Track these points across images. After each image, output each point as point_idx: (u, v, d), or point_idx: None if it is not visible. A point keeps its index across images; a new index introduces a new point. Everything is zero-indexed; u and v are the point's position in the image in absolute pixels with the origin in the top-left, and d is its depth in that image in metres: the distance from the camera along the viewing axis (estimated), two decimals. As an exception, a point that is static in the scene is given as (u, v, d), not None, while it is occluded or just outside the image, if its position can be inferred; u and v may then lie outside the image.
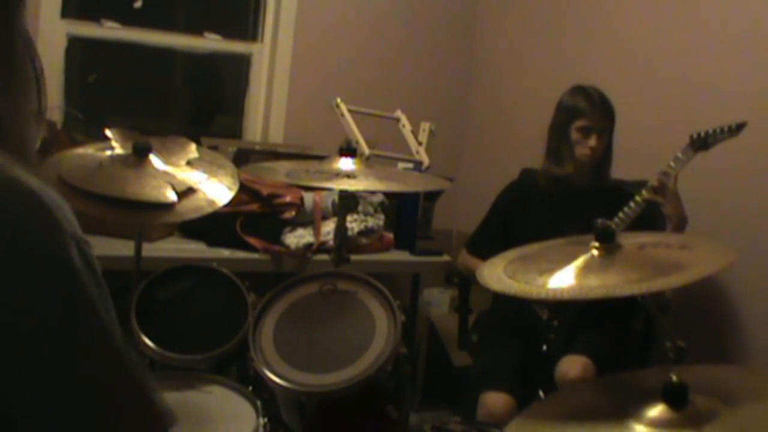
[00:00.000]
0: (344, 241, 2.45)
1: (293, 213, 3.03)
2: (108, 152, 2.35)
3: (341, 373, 2.06)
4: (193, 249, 2.93)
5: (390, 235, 3.27)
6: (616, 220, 2.57)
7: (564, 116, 2.80)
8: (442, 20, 4.14)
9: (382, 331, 2.13)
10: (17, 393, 0.66)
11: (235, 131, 3.88)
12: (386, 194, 3.21)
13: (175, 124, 4.00)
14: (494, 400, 2.54)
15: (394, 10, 4.02)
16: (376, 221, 3.18)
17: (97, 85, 3.82)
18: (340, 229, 2.45)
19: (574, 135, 2.76)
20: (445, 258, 3.33)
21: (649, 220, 2.63)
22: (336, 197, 2.61)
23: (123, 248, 2.57)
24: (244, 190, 2.82)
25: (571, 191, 2.83)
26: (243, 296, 2.30)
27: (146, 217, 2.31)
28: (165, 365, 2.18)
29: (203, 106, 4.13)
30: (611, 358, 2.61)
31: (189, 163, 2.39)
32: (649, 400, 1.48)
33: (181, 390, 2.06)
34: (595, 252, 1.71)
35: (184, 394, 2.05)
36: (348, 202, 2.50)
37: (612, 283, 1.61)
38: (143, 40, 3.66)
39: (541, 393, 2.50)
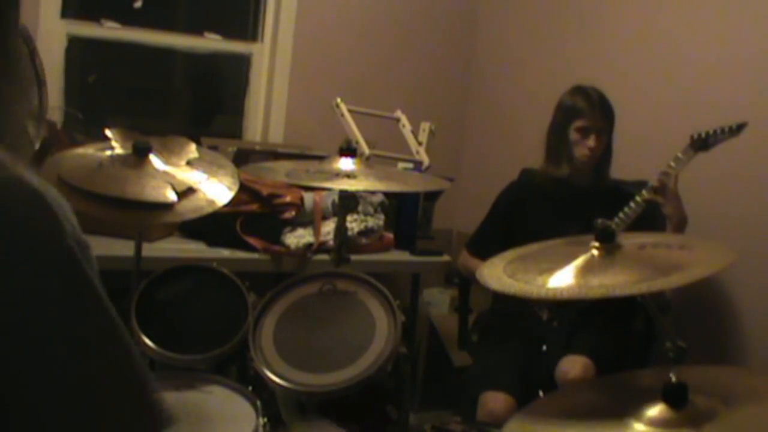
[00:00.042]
0: (344, 241, 2.45)
1: (293, 213, 3.03)
2: (108, 152, 2.35)
3: (341, 373, 2.06)
4: (193, 249, 2.93)
5: (390, 235, 3.27)
6: (616, 220, 2.57)
7: (563, 116, 2.80)
8: (442, 20, 4.14)
9: (382, 331, 2.13)
10: (17, 392, 0.66)
11: (235, 131, 3.88)
12: (386, 194, 3.21)
13: (175, 124, 4.00)
14: (494, 400, 2.54)
15: (394, 10, 4.02)
16: (376, 221, 3.18)
17: (97, 85, 3.82)
18: (340, 229, 2.45)
19: (573, 135, 2.76)
20: (445, 258, 3.33)
21: (649, 220, 2.63)
22: (336, 197, 2.61)
23: (123, 248, 2.57)
24: (244, 190, 2.82)
25: (570, 191, 2.83)
26: (243, 296, 2.30)
27: (146, 217, 2.31)
28: (165, 365, 2.18)
29: (203, 106, 4.13)
30: (611, 358, 2.61)
31: (189, 163, 2.39)
32: (649, 399, 1.48)
33: (181, 390, 2.06)
34: (595, 252, 1.72)
35: (184, 394, 2.05)
36: (348, 202, 2.51)
37: (612, 283, 1.61)
38: (143, 40, 3.66)
39: (541, 393, 2.50)
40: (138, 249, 2.37)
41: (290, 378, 2.06)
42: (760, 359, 2.84)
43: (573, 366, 2.55)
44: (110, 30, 3.59)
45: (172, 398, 2.02)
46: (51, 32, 3.39)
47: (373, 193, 3.15)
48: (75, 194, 2.19)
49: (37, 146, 2.30)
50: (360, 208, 3.14)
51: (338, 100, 3.28)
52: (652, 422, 1.45)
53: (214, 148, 3.01)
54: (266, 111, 3.85)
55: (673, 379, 1.45)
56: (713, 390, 1.52)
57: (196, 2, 4.00)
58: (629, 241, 1.78)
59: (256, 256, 2.92)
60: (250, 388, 2.11)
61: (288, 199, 3.03)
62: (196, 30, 3.77)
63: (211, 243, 2.98)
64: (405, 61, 4.06)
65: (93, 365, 0.70)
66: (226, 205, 2.37)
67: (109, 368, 0.71)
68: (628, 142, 2.97)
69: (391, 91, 3.95)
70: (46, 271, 0.68)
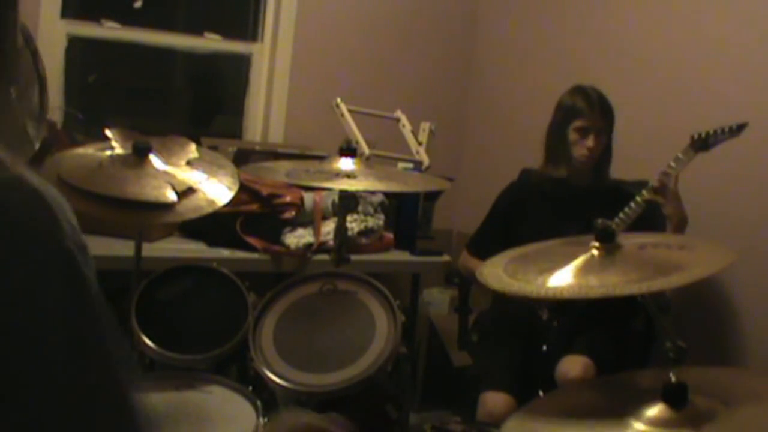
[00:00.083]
0: (344, 241, 2.45)
1: (293, 213, 3.03)
2: (108, 152, 2.35)
3: (341, 373, 2.06)
4: (193, 249, 2.93)
5: (390, 235, 3.27)
6: (616, 220, 2.57)
7: (562, 116, 2.80)
8: (442, 20, 4.14)
9: (382, 331, 2.13)
10: (14, 392, 0.66)
11: (235, 131, 3.88)
12: (386, 194, 3.21)
13: (175, 124, 4.00)
14: (494, 400, 2.54)
15: (394, 10, 4.02)
16: (376, 221, 3.18)
17: (97, 85, 3.82)
18: (340, 229, 2.45)
19: (572, 135, 2.76)
20: (445, 258, 3.33)
21: (650, 220, 2.63)
22: (336, 197, 2.61)
23: (123, 248, 2.57)
24: (244, 190, 2.82)
25: (570, 192, 2.83)
26: (243, 296, 2.30)
27: (146, 217, 2.31)
28: (165, 365, 2.18)
29: (203, 106, 4.13)
30: (611, 358, 2.61)
31: (189, 163, 2.39)
32: (649, 399, 1.48)
33: (181, 390, 2.06)
34: (595, 252, 1.72)
35: (184, 394, 2.05)
36: (348, 202, 2.51)
37: (612, 283, 1.61)
38: (143, 40, 3.66)
39: (541, 393, 2.50)
40: (138, 249, 2.37)
41: (290, 378, 2.06)
42: (760, 359, 2.84)
43: (573, 366, 2.55)
44: (110, 30, 3.59)
45: (172, 398, 2.02)
46: (51, 32, 3.39)
47: (373, 193, 3.15)
48: (75, 194, 2.19)
49: (37, 146, 2.30)
50: (360, 208, 3.14)
51: (338, 100, 3.28)
52: (652, 422, 1.45)
53: (214, 148, 3.01)
54: (266, 111, 3.85)
55: (673, 379, 1.45)
56: (713, 391, 1.52)
57: (196, 2, 4.00)
58: (629, 241, 1.78)
59: (256, 256, 2.92)
60: (250, 388, 2.11)
61: (288, 199, 3.03)
62: (196, 30, 3.77)
63: (211, 243, 2.98)
64: (405, 61, 4.06)
65: (90, 367, 0.70)
66: (226, 205, 2.37)
67: (99, 374, 0.71)
68: (628, 142, 2.97)
69: (391, 91, 3.95)
70: (45, 272, 0.68)
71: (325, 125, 3.55)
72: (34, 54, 2.35)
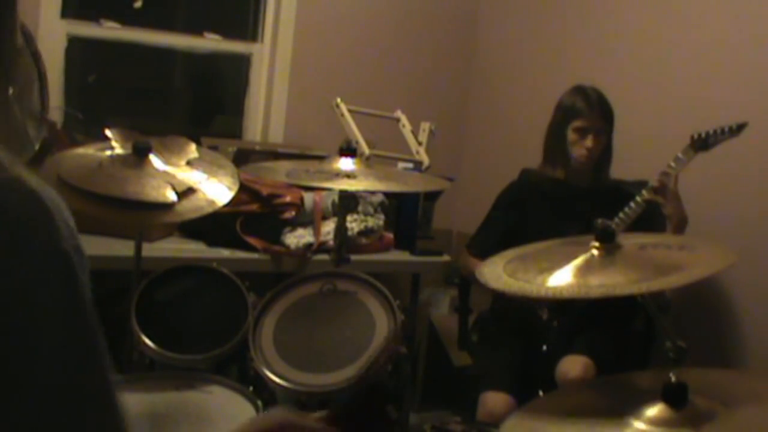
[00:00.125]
0: (344, 241, 2.45)
1: (293, 213, 3.03)
2: (108, 152, 2.35)
3: (341, 373, 2.06)
4: (193, 249, 2.93)
5: (390, 235, 3.27)
6: (616, 220, 2.57)
7: (562, 116, 2.80)
8: (442, 20, 4.14)
9: (382, 331, 2.13)
10: (8, 393, 0.66)
11: (235, 131, 3.88)
12: (386, 194, 3.21)
13: (175, 124, 4.00)
14: (494, 400, 2.54)
15: (394, 10, 4.02)
16: (376, 221, 3.18)
17: (97, 85, 3.82)
18: (340, 229, 2.45)
19: (571, 135, 2.76)
20: (445, 258, 3.33)
21: (650, 220, 2.63)
22: (336, 197, 2.61)
23: (123, 248, 2.57)
24: (244, 190, 2.82)
25: (570, 192, 2.83)
26: (243, 296, 2.30)
27: (146, 217, 2.31)
28: (165, 365, 2.18)
29: (203, 106, 4.13)
30: (611, 358, 2.61)
31: (189, 163, 2.39)
32: (649, 399, 1.48)
33: (181, 390, 2.06)
34: (595, 252, 1.71)
35: (184, 394, 2.05)
36: (348, 202, 2.50)
37: (612, 283, 1.61)
38: (143, 40, 3.66)
39: (541, 393, 2.50)
40: (138, 249, 2.37)
41: (290, 378, 2.06)
42: (760, 359, 2.84)
43: (573, 366, 2.55)
44: (110, 30, 3.59)
45: (172, 398, 2.02)
46: (51, 32, 3.39)
47: (373, 193, 3.15)
48: (75, 194, 2.19)
49: (37, 146, 2.30)
50: (360, 208, 3.14)
51: (338, 100, 3.28)
52: (652, 422, 1.45)
53: (214, 148, 3.01)
54: (266, 111, 3.85)
55: (673, 379, 1.45)
56: (713, 392, 1.52)
57: (196, 2, 4.00)
58: (629, 241, 1.78)
59: (256, 256, 2.93)
60: (250, 388, 2.11)
61: (288, 199, 3.03)
62: (196, 30, 3.77)
63: (211, 243, 2.98)
64: (405, 61, 4.06)
65: (83, 367, 0.70)
66: (226, 205, 2.37)
67: (96, 371, 0.71)
68: (628, 142, 2.97)
69: (391, 91, 3.95)
70: (41, 273, 0.68)
71: (325, 125, 3.55)
72: (35, 54, 2.35)
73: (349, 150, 2.44)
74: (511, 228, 2.82)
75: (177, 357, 2.17)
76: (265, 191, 3.00)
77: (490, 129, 4.13)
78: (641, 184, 2.69)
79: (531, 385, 2.55)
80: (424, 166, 3.32)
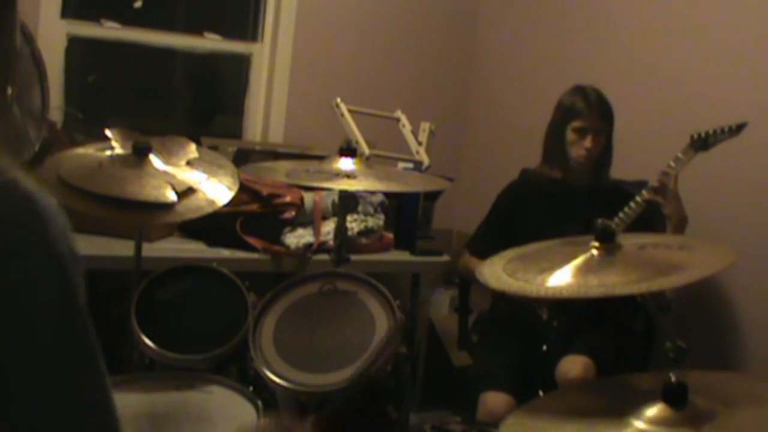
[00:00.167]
0: (344, 241, 2.45)
1: (293, 213, 3.03)
2: (108, 152, 2.35)
3: (341, 373, 2.06)
4: (193, 249, 2.93)
5: (390, 235, 3.27)
6: (616, 220, 2.57)
7: (561, 116, 2.80)
8: (442, 20, 4.14)
9: (382, 331, 2.13)
10: (2, 394, 0.66)
11: (235, 131, 3.88)
12: (386, 194, 3.21)
13: (175, 124, 4.00)
14: (494, 400, 2.54)
15: (394, 10, 4.02)
16: (376, 221, 3.18)
17: (97, 85, 3.82)
18: (340, 229, 2.45)
19: (570, 136, 2.76)
20: (445, 258, 3.33)
21: (649, 220, 2.63)
22: (336, 197, 2.61)
23: (123, 248, 2.57)
24: (244, 190, 2.82)
25: (570, 191, 2.83)
26: (243, 296, 2.30)
27: (146, 217, 2.31)
28: (165, 365, 2.18)
29: (203, 106, 4.13)
30: (611, 358, 2.61)
31: (189, 163, 2.39)
32: (649, 400, 1.49)
33: (181, 390, 2.06)
34: (594, 252, 1.72)
35: (184, 394, 2.05)
36: (348, 202, 2.50)
37: (611, 283, 1.61)
38: (143, 40, 3.66)
39: (540, 393, 2.50)
40: (138, 249, 2.37)
41: (290, 378, 2.06)
42: (760, 360, 2.84)
43: (573, 366, 2.55)
44: (110, 30, 3.59)
45: (172, 398, 2.02)
46: (51, 32, 3.39)
47: (373, 193, 3.15)
48: (75, 194, 2.19)
49: (37, 146, 2.30)
50: (360, 208, 3.14)
51: (338, 100, 3.28)
52: (652, 421, 1.45)
53: (214, 148, 3.02)
54: (266, 111, 3.85)
55: (673, 378, 1.45)
56: (713, 393, 1.52)
57: (196, 2, 4.00)
58: (629, 241, 1.78)
59: (256, 256, 2.93)
60: (251, 388, 2.11)
61: (288, 199, 3.03)
62: (196, 30, 3.77)
63: (211, 243, 2.98)
64: (405, 61, 4.06)
65: (78, 370, 0.70)
66: (226, 205, 2.37)
67: (91, 374, 0.71)
68: (628, 142, 2.97)
69: (391, 91, 3.95)
70: (34, 277, 0.68)
71: (325, 125, 3.55)
72: (35, 54, 2.35)
73: (349, 150, 2.44)
74: (511, 228, 2.82)
75: (177, 357, 2.17)
76: (265, 191, 3.00)
77: (490, 129, 4.13)
78: (641, 184, 2.69)
79: (531, 385, 2.55)
80: (424, 166, 3.32)
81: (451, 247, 3.80)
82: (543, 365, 2.60)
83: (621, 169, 2.90)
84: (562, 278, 1.66)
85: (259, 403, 2.00)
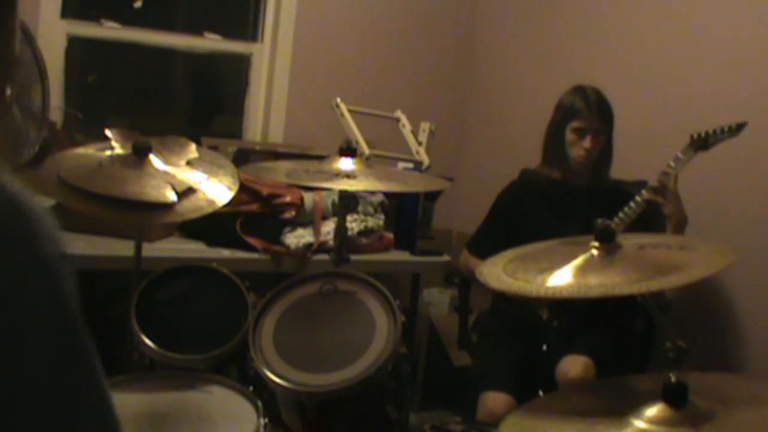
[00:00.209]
0: (344, 241, 2.46)
1: (293, 213, 3.03)
2: (108, 152, 2.35)
3: (341, 373, 2.06)
4: (193, 249, 2.93)
5: (390, 235, 3.27)
6: (615, 220, 2.57)
7: (561, 116, 2.80)
8: (442, 20, 4.14)
9: (382, 331, 2.13)
10: None
11: (235, 131, 3.88)
12: (386, 194, 3.21)
13: (175, 124, 4.00)
14: (494, 400, 2.54)
15: (394, 10, 4.02)
16: (376, 221, 3.18)
17: (97, 85, 3.82)
18: (340, 229, 2.45)
19: (570, 136, 2.76)
20: (445, 258, 3.33)
21: (649, 220, 2.63)
22: (336, 197, 2.61)
23: (123, 248, 2.57)
24: (244, 190, 2.82)
25: (570, 192, 2.83)
26: (243, 296, 2.30)
27: (146, 217, 2.31)
28: (165, 365, 2.18)
29: (203, 106, 4.13)
30: (612, 358, 2.61)
31: (189, 163, 2.39)
32: (649, 399, 1.49)
33: (181, 390, 2.06)
34: (594, 252, 1.72)
35: (184, 394, 2.05)
36: (348, 202, 2.51)
37: (611, 283, 1.61)
38: (143, 40, 3.66)
39: (541, 393, 2.50)
40: (138, 249, 2.37)
41: (290, 378, 2.06)
42: (759, 360, 2.84)
43: (573, 366, 2.55)
44: (110, 30, 3.59)
45: (172, 398, 2.02)
46: (51, 32, 3.39)
47: (373, 193, 3.15)
48: (75, 194, 2.19)
49: (37, 147, 2.30)
50: (360, 208, 3.14)
51: (338, 100, 3.28)
52: (652, 421, 1.46)
53: (214, 148, 3.02)
54: (266, 111, 3.85)
55: (673, 378, 1.46)
56: (713, 394, 1.52)
57: (196, 2, 4.01)
58: (629, 241, 1.78)
59: (256, 256, 2.92)
60: (251, 388, 2.11)
61: (288, 199, 3.03)
62: (196, 30, 3.77)
63: (211, 243, 2.98)
64: (405, 61, 4.06)
65: (71, 372, 0.69)
66: (226, 205, 2.37)
67: (85, 375, 0.71)
68: (628, 142, 2.97)
69: (391, 91, 3.95)
70: (20, 281, 0.67)
71: (325, 125, 3.55)
72: (36, 54, 2.36)
73: (349, 150, 2.45)
74: (510, 228, 2.82)
75: (177, 357, 2.17)
76: (265, 191, 3.00)
77: (490, 129, 4.13)
78: (641, 184, 2.69)
79: (531, 385, 2.55)
80: (424, 166, 3.32)
81: (451, 247, 3.80)
82: (543, 365, 2.60)
83: (621, 169, 2.90)
84: (562, 278, 1.66)
85: (259, 403, 2.00)
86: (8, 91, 0.77)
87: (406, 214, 3.35)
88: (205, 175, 2.36)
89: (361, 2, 3.96)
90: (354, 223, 3.07)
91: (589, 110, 2.73)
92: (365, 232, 3.13)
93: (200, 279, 2.37)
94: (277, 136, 3.83)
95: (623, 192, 2.74)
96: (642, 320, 2.84)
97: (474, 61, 4.21)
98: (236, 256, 2.90)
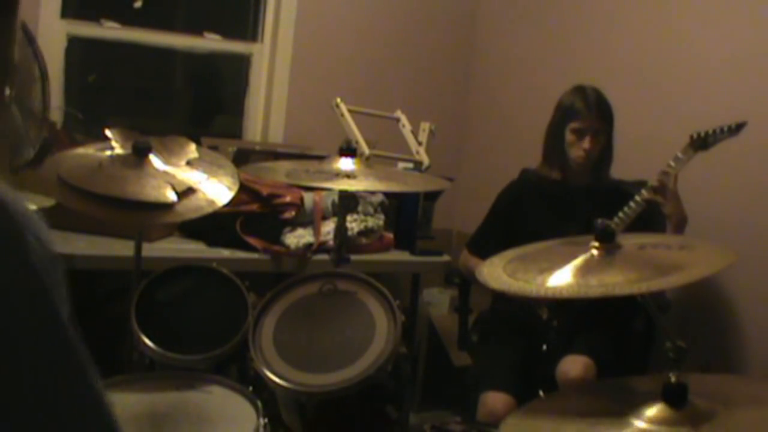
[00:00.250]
0: (344, 241, 2.46)
1: (293, 213, 3.03)
2: (108, 152, 2.35)
3: (341, 373, 2.06)
4: (193, 249, 2.93)
5: (390, 235, 3.27)
6: (615, 219, 2.57)
7: (561, 116, 2.80)
8: (442, 20, 4.14)
9: (382, 331, 2.13)
10: None
11: (235, 131, 3.88)
12: (386, 194, 3.21)
13: (175, 124, 4.00)
14: (494, 400, 2.54)
15: (394, 10, 4.02)
16: (376, 221, 3.18)
17: (97, 85, 3.82)
18: (340, 229, 2.45)
19: (569, 136, 2.76)
20: (445, 258, 3.33)
21: (649, 220, 2.63)
22: (336, 197, 2.61)
23: (123, 248, 2.57)
24: (244, 190, 2.82)
25: (570, 192, 2.83)
26: (243, 296, 2.30)
27: (146, 217, 2.31)
28: (165, 365, 2.18)
29: (203, 106, 4.13)
30: (612, 358, 2.61)
31: (189, 163, 2.39)
32: (649, 400, 1.49)
33: (181, 390, 2.06)
34: (594, 252, 1.71)
35: (184, 394, 2.05)
36: (348, 202, 2.51)
37: (611, 283, 1.61)
38: (143, 40, 3.66)
39: (541, 393, 2.50)
40: (138, 249, 2.37)
41: (290, 378, 2.06)
42: (759, 360, 2.84)
43: (573, 366, 2.55)
44: (110, 30, 3.59)
45: (172, 398, 2.02)
46: (51, 32, 3.39)
47: (373, 193, 3.15)
48: (75, 194, 2.19)
49: (37, 147, 2.30)
50: (360, 208, 3.14)
51: (338, 100, 3.28)
52: (652, 421, 1.46)
53: (214, 148, 3.02)
54: (266, 111, 3.85)
55: (673, 378, 1.46)
56: (713, 394, 1.52)
57: (196, 2, 4.01)
58: (629, 241, 1.78)
59: (256, 256, 2.92)
60: (250, 388, 2.11)
61: (288, 199, 3.03)
62: (196, 30, 3.77)
63: (211, 243, 2.98)
64: (405, 61, 4.06)
65: (61, 376, 0.69)
66: (226, 205, 2.37)
67: (75, 378, 0.70)
68: (628, 142, 2.97)
69: (391, 91, 3.95)
70: (7, 288, 0.66)
71: (325, 125, 3.55)
72: (36, 54, 2.35)
73: (349, 150, 2.45)
74: (510, 228, 2.82)
75: (177, 357, 2.18)
76: (265, 191, 3.00)
77: (490, 129, 4.13)
78: (641, 184, 2.68)
79: (531, 385, 2.55)
80: (424, 166, 3.32)
81: (451, 247, 3.80)
82: (543, 365, 2.60)
83: (621, 169, 2.90)
84: (562, 278, 1.66)
85: (259, 403, 2.00)
86: (7, 92, 0.77)
87: (406, 214, 3.35)
88: (205, 175, 2.36)
89: (361, 2, 3.96)
90: (354, 223, 3.07)
91: (588, 110, 2.73)
92: (365, 232, 3.13)
93: (200, 279, 2.37)
94: (277, 136, 3.83)
95: (623, 192, 2.74)
96: (642, 320, 2.84)
97: (474, 62, 4.21)
98: (236, 256, 2.90)
